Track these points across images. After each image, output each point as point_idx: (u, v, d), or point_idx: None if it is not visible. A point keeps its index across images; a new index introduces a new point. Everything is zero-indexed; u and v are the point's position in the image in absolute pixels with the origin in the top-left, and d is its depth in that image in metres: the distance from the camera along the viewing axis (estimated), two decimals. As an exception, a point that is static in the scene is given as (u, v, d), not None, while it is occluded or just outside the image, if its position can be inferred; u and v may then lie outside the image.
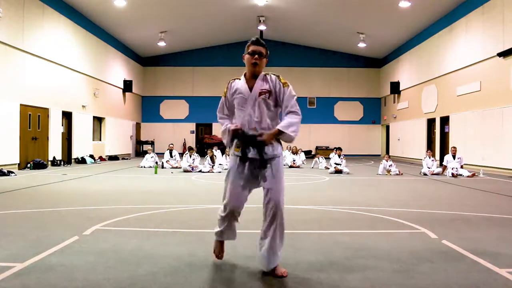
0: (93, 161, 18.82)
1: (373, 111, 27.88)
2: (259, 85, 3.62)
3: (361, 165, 18.98)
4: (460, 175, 13.38)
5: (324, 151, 23.78)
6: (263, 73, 3.73)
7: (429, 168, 14.22)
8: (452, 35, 17.81)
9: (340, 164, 14.75)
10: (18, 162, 14.06)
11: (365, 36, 22.67)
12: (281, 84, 3.66)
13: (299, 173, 14.74)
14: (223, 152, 17.97)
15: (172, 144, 17.89)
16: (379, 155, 26.70)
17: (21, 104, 14.21)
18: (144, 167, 16.21)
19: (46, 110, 15.85)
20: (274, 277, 3.47)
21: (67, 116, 17.75)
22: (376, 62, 27.75)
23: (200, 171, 14.34)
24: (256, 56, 3.72)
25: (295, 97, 3.65)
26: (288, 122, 3.45)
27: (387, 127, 26.80)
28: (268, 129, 3.48)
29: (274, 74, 3.75)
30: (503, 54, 13.93)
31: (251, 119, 3.53)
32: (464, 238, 4.79)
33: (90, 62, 19.82)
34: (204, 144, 26.14)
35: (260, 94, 3.58)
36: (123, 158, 22.55)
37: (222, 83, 30.52)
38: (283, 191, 3.51)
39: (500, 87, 14.32)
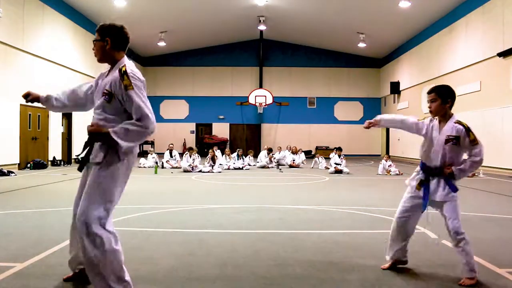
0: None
1: (373, 111, 27.79)
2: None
3: (361, 165, 18.98)
4: (460, 175, 13.36)
5: (324, 151, 23.76)
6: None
7: (429, 168, 14.21)
8: (452, 35, 17.81)
9: (340, 164, 14.74)
10: (18, 162, 14.06)
11: (365, 36, 22.65)
12: (122, 84, 2.86)
13: (299, 173, 14.74)
14: (223, 152, 17.98)
15: (172, 144, 17.89)
16: (379, 155, 26.68)
17: (21, 104, 14.20)
18: (144, 166, 16.23)
19: (46, 110, 15.83)
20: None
21: (67, 116, 17.74)
22: (376, 62, 27.74)
23: (200, 171, 14.34)
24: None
25: (139, 101, 2.85)
26: (123, 128, 2.84)
27: (387, 127, 26.78)
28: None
29: (124, 66, 2.94)
30: (503, 54, 13.92)
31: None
32: (464, 238, 4.78)
33: (90, 62, 19.80)
34: (204, 144, 26.15)
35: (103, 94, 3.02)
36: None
37: (222, 83, 30.51)
38: (95, 209, 2.83)
39: (500, 87, 14.32)
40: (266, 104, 24.89)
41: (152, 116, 2.86)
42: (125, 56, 3.09)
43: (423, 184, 3.56)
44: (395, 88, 24.29)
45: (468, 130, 3.43)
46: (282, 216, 6.18)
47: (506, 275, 3.55)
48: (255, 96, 24.86)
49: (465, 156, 3.54)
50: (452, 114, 3.57)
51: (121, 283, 2.85)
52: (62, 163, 16.39)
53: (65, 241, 4.48)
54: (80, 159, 3.04)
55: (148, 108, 2.86)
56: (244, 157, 17.36)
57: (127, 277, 2.90)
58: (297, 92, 27.58)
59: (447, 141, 3.46)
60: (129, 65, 2.98)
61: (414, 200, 3.61)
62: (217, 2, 19.46)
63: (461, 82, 17.00)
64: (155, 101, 27.80)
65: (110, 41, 3.02)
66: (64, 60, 17.22)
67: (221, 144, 24.93)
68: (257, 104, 24.87)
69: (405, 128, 3.81)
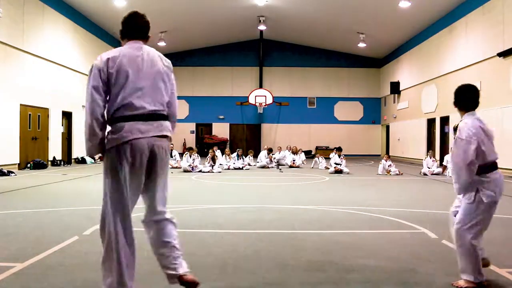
0: (93, 161, 18.79)
1: (373, 111, 27.86)
2: None
3: (361, 165, 18.98)
4: (460, 175, 13.36)
5: (324, 151, 23.73)
6: None
7: (429, 168, 14.22)
8: (452, 35, 17.80)
9: (340, 164, 14.74)
10: (18, 162, 14.06)
11: (365, 36, 22.65)
12: None
13: (299, 173, 14.74)
14: (222, 152, 17.97)
15: (172, 144, 17.83)
16: (379, 155, 26.67)
17: (21, 104, 14.20)
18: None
19: (46, 110, 15.84)
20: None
21: (67, 116, 17.74)
22: (376, 62, 27.74)
23: (200, 171, 14.34)
24: None
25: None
26: None
27: (387, 127, 26.79)
28: None
29: None
30: (503, 54, 13.92)
31: None
32: (464, 238, 4.78)
33: (91, 62, 19.61)
34: (204, 144, 26.15)
35: None
36: (123, 158, 22.52)
37: (222, 83, 30.48)
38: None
39: (500, 87, 14.31)
40: (266, 104, 24.89)
41: (88, 104, 2.77)
42: (124, 43, 3.01)
43: None
44: (395, 88, 24.28)
45: (455, 127, 3.35)
46: (282, 216, 6.18)
47: (506, 275, 3.55)
48: (255, 96, 24.85)
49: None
50: (464, 113, 3.48)
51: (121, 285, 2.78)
52: (62, 163, 16.39)
53: (65, 241, 4.48)
54: None
55: (88, 93, 2.79)
56: (244, 157, 17.35)
57: (129, 283, 2.81)
58: (297, 92, 27.57)
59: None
60: (111, 51, 2.95)
61: None
62: (217, 2, 19.45)
63: (461, 82, 16.85)
64: (155, 101, 27.78)
65: (120, 32, 3.05)
66: (64, 60, 17.22)
67: (221, 144, 24.92)
68: (257, 104, 24.86)
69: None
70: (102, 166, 2.94)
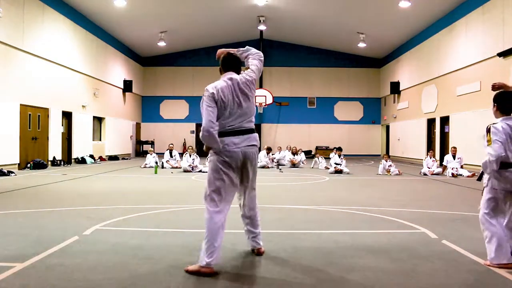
0: (93, 161, 18.81)
1: (373, 111, 27.87)
2: None
3: (361, 165, 18.98)
4: (460, 175, 13.38)
5: (324, 151, 23.75)
6: None
7: (429, 168, 14.23)
8: (452, 35, 17.81)
9: (340, 164, 14.74)
10: (18, 162, 14.06)
11: (365, 36, 22.65)
12: None
13: (299, 173, 14.74)
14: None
15: (172, 144, 17.89)
16: (379, 155, 26.67)
17: (21, 104, 14.20)
18: (146, 164, 16.31)
19: (46, 110, 15.84)
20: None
21: (67, 116, 17.74)
22: (376, 62, 27.74)
23: (200, 171, 14.34)
24: None
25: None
26: None
27: (387, 127, 26.79)
28: None
29: None
30: (503, 54, 13.93)
31: None
32: (464, 238, 4.79)
33: (90, 62, 19.81)
34: (204, 144, 26.10)
35: None
36: (123, 158, 22.55)
37: (222, 83, 30.31)
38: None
39: (500, 87, 14.30)
40: (266, 104, 24.86)
41: (204, 123, 3.73)
42: (223, 75, 4.23)
43: None
44: (395, 88, 24.29)
45: (488, 130, 3.70)
46: (282, 216, 6.18)
47: (505, 274, 3.55)
48: (255, 96, 24.81)
49: None
50: (500, 117, 3.80)
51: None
52: (62, 163, 16.39)
53: (65, 241, 4.49)
54: None
55: (204, 117, 3.72)
56: (244, 157, 17.32)
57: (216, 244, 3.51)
58: (297, 92, 27.57)
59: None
60: (215, 83, 3.97)
61: None
62: (217, 2, 19.46)
63: (461, 82, 16.99)
64: (155, 101, 27.81)
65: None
66: (64, 60, 17.22)
67: (221, 144, 24.88)
68: (257, 104, 24.83)
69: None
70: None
